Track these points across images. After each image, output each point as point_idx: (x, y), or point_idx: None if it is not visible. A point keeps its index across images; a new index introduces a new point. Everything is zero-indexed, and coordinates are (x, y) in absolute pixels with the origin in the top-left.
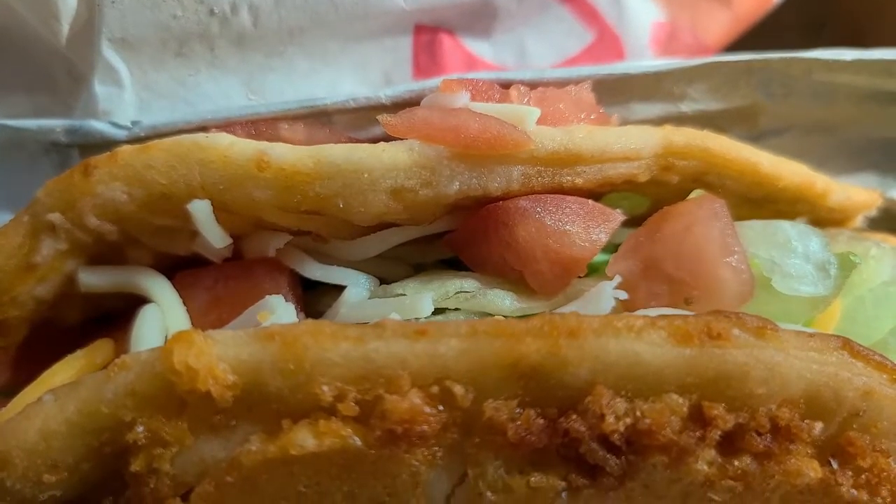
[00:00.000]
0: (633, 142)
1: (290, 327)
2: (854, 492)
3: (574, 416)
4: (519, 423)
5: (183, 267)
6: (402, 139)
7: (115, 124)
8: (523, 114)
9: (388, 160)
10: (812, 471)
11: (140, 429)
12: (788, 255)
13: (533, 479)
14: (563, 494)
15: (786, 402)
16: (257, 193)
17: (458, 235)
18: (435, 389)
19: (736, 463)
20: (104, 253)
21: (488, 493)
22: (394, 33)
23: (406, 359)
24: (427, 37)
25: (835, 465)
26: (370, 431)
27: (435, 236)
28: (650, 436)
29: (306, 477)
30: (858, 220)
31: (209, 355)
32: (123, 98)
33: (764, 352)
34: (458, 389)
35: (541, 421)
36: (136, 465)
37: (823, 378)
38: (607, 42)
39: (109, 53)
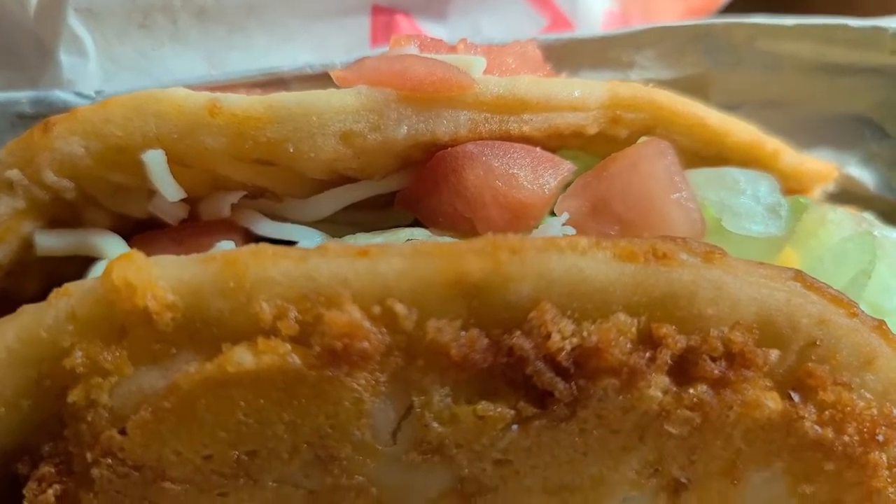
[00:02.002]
0: (579, 90)
1: (231, 250)
2: (818, 428)
3: (518, 333)
4: (462, 342)
5: (141, 231)
6: None
7: (79, 94)
8: (469, 62)
9: (336, 103)
10: (772, 401)
11: (79, 354)
12: (737, 195)
13: (480, 406)
14: (514, 427)
15: (738, 325)
16: (210, 141)
17: (410, 190)
18: (377, 310)
19: (691, 391)
20: (62, 215)
21: (435, 424)
22: (352, 13)
23: (347, 277)
24: (384, 18)
25: (796, 399)
26: (310, 350)
27: (391, 202)
28: (598, 355)
29: (246, 403)
30: (817, 194)
31: (149, 273)
32: (88, 68)
33: (711, 272)
34: (400, 308)
35: (485, 340)
36: (73, 396)
37: (776, 303)
38: (560, 28)
39: (75, 23)
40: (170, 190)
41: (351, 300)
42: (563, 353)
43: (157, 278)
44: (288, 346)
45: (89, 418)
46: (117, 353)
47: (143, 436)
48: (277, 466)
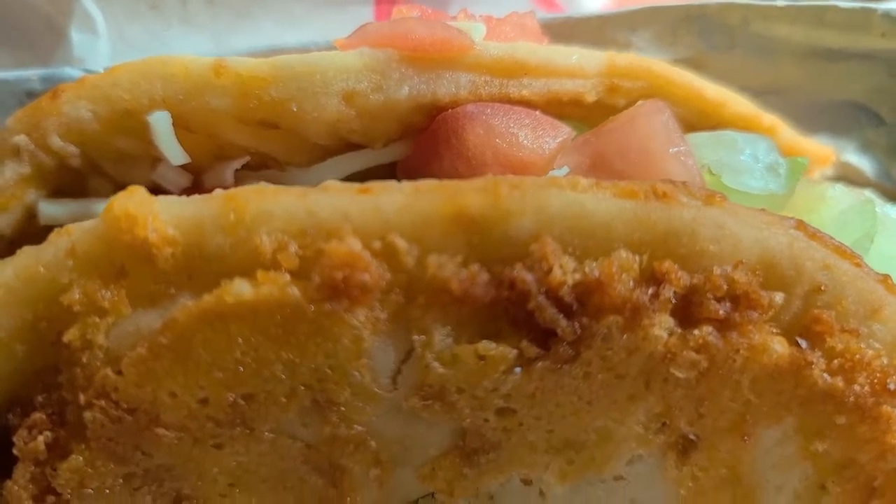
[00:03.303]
0: (577, 56)
1: (232, 189)
2: (828, 377)
3: (519, 266)
4: (463, 277)
5: None
6: None
7: (88, 71)
8: (469, 27)
9: (339, 63)
10: (779, 345)
11: (77, 292)
12: (736, 153)
13: (482, 346)
14: (517, 370)
15: (741, 265)
16: (215, 101)
17: (411, 158)
18: (377, 245)
19: (696, 332)
20: (66, 184)
21: (436, 364)
22: (356, 1)
23: (348, 211)
24: (387, 7)
25: (804, 346)
26: (309, 283)
27: (393, 174)
28: (601, 290)
29: (243, 340)
30: (815, 175)
31: (151, 205)
32: (98, 46)
33: (712, 211)
34: (400, 243)
35: (486, 275)
36: (69, 336)
37: (779, 245)
38: None
39: (87, 2)
40: (174, 152)
41: (352, 233)
42: (566, 288)
43: (159, 211)
44: (287, 277)
45: (84, 360)
46: (115, 293)
47: (138, 374)
48: (275, 412)
